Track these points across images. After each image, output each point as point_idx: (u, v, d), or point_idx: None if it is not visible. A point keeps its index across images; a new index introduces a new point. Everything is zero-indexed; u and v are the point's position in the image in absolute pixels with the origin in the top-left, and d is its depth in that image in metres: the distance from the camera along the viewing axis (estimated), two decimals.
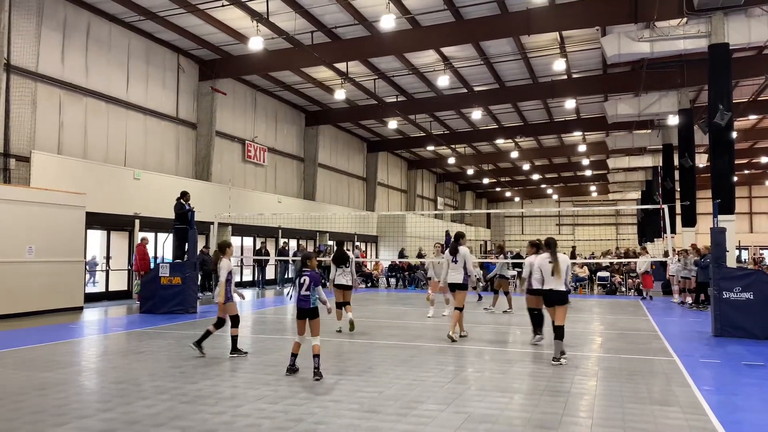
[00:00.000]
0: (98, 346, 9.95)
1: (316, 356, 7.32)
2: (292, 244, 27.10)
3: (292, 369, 7.56)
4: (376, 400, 6.34)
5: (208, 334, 8.82)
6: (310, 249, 28.23)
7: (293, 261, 24.21)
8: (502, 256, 17.49)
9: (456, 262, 10.59)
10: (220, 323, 8.88)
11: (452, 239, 10.96)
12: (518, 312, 13.81)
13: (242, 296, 9.61)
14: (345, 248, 11.80)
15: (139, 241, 17.22)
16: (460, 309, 10.49)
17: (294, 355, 7.60)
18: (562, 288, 8.59)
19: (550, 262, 8.66)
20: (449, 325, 10.77)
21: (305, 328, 7.56)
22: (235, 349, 8.83)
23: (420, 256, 27.22)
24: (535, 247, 10.04)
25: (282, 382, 7.14)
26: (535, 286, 9.29)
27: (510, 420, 5.69)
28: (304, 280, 7.50)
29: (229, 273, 8.83)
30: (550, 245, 8.84)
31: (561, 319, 8.50)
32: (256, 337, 10.80)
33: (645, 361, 8.80)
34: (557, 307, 8.58)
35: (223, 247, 9.06)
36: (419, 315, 14.37)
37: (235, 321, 8.90)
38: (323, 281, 7.90)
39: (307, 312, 7.48)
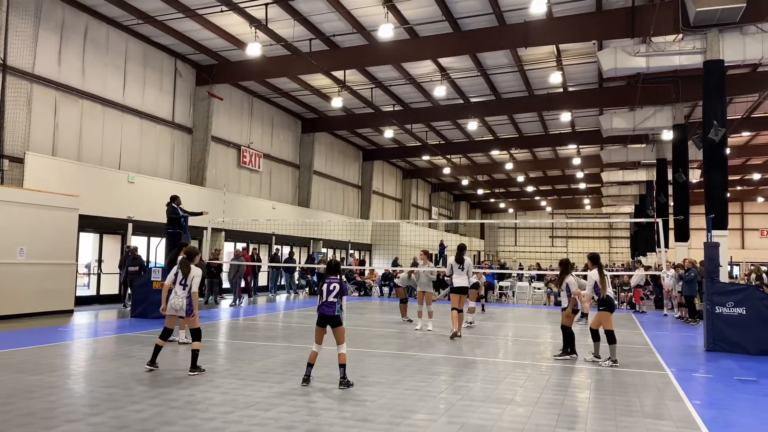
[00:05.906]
0: (88, 349, 9.86)
1: (342, 366, 7.21)
2: (285, 250, 27.01)
3: (308, 379, 7.32)
4: (369, 409, 6.30)
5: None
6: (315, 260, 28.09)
7: (284, 269, 24.10)
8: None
9: (462, 269, 11.98)
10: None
11: (458, 250, 12.28)
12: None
13: None
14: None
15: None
16: (459, 310, 11.88)
17: (310, 365, 7.38)
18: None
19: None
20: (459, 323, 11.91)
21: (324, 336, 7.40)
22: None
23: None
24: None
25: (273, 389, 7.08)
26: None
27: (503, 431, 5.66)
28: (334, 286, 7.30)
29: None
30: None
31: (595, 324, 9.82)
32: (247, 344, 10.73)
33: (638, 374, 8.79)
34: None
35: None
36: (413, 324, 14.32)
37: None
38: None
39: (330, 319, 7.27)
